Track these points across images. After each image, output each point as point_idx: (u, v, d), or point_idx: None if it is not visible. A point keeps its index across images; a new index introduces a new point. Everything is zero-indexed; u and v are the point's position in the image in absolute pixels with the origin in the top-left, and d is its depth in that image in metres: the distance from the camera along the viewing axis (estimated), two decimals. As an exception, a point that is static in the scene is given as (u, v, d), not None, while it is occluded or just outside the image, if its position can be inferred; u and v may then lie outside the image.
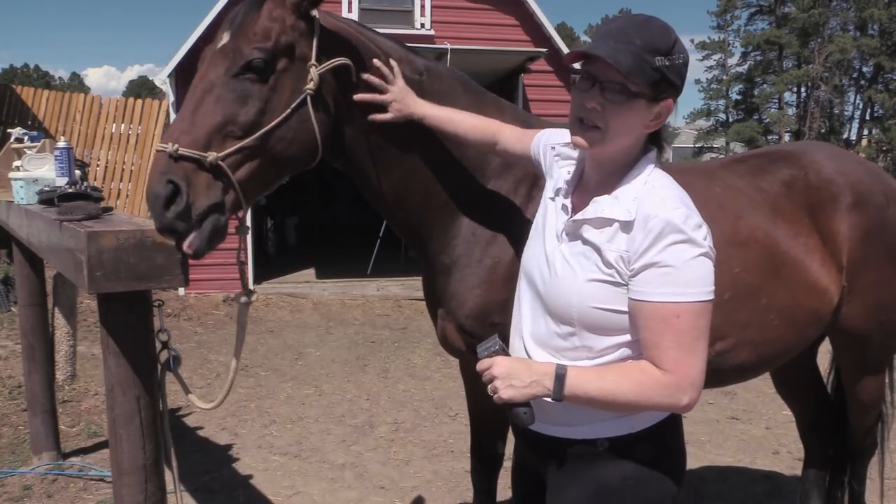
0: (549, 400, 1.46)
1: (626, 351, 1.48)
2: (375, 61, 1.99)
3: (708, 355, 2.32)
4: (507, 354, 1.54)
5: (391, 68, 2.01)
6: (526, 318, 1.61)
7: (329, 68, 1.88)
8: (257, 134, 1.77)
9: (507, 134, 2.00)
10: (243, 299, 1.92)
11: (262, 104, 1.79)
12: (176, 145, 1.68)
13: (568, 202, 1.57)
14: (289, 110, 1.82)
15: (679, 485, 1.56)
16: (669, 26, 1.44)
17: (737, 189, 2.45)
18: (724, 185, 2.45)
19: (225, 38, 1.80)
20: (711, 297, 1.41)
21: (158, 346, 1.88)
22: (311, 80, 1.84)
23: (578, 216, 1.51)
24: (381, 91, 1.98)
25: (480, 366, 1.53)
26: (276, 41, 1.80)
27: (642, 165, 1.48)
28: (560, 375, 1.42)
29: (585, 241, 1.49)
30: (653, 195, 1.43)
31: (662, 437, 1.53)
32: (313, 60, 1.85)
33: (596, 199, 1.50)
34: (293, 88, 1.84)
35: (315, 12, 1.89)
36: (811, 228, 2.44)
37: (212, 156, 1.70)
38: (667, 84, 1.42)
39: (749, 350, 2.36)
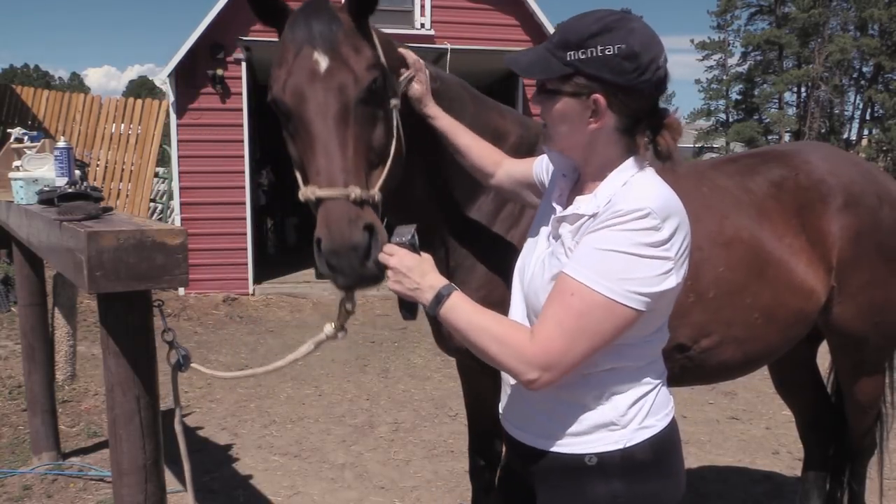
0: (510, 389, 1.54)
1: (609, 356, 1.40)
2: (415, 64, 1.97)
3: (693, 352, 2.38)
4: (416, 249, 1.50)
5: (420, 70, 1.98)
6: (516, 318, 1.60)
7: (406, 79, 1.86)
8: (390, 158, 1.70)
9: (508, 162, 1.97)
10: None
11: (384, 125, 1.72)
12: (356, 190, 1.54)
13: (556, 204, 1.55)
14: (397, 125, 1.76)
15: None
16: (610, 17, 1.36)
17: (724, 189, 2.47)
18: (711, 185, 2.47)
19: (322, 61, 1.63)
20: (627, 301, 1.29)
21: (165, 346, 1.89)
22: (395, 94, 1.79)
23: (559, 214, 1.50)
24: (420, 94, 1.97)
25: (385, 250, 1.50)
26: (376, 58, 1.71)
27: (626, 166, 1.42)
28: (440, 296, 1.41)
29: (558, 238, 1.48)
30: (628, 192, 1.37)
31: (656, 455, 1.45)
32: (389, 73, 1.77)
33: (578, 197, 1.49)
34: (386, 102, 1.76)
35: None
36: (799, 229, 2.45)
37: (377, 194, 1.61)
38: (586, 78, 1.35)
39: (734, 347, 2.38)
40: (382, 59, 1.75)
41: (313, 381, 6.16)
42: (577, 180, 1.59)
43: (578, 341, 1.31)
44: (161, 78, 9.85)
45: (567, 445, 1.44)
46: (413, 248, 1.52)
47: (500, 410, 1.64)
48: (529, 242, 1.64)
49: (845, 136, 39.66)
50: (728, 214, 2.40)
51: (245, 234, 9.92)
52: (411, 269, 1.46)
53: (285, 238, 13.78)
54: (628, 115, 1.38)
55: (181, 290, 9.05)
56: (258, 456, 4.49)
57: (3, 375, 5.76)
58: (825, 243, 2.46)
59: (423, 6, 10.44)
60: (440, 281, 1.44)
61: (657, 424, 1.45)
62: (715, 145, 42.46)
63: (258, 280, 10.14)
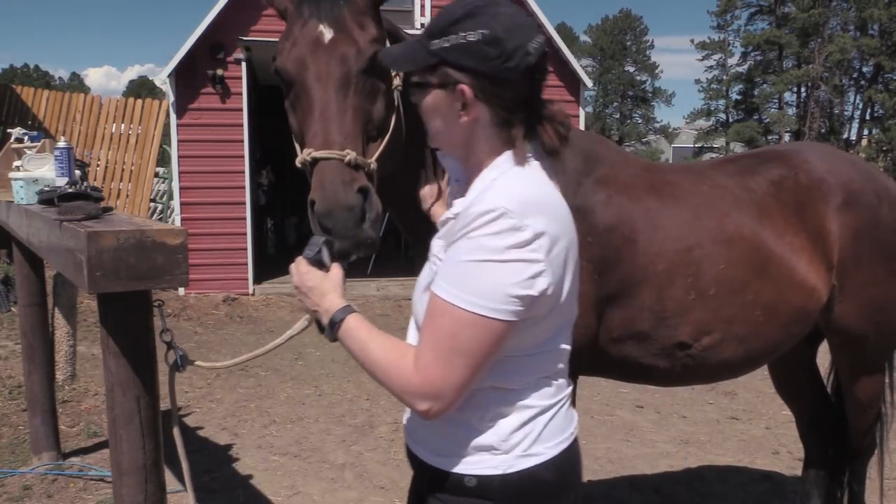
0: (407, 418, 1.46)
1: (491, 373, 1.29)
2: None
3: (694, 350, 2.38)
4: (322, 265, 1.43)
5: None
6: (411, 339, 1.48)
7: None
8: (389, 133, 1.72)
9: None
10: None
11: (385, 100, 1.73)
12: (352, 153, 1.56)
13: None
14: (398, 105, 1.77)
15: None
16: (477, 1, 1.27)
17: (724, 188, 2.48)
18: (711, 184, 2.48)
19: (327, 32, 1.68)
20: (492, 314, 1.19)
21: (163, 346, 1.88)
22: (398, 74, 1.79)
23: (440, 222, 1.41)
24: None
25: (295, 264, 1.44)
26: (381, 35, 1.73)
27: (499, 162, 1.31)
28: (333, 322, 1.34)
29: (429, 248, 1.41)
30: (486, 193, 1.26)
31: (540, 485, 1.32)
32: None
33: (454, 201, 1.39)
34: (388, 78, 1.77)
35: None
36: (799, 227, 2.46)
37: (373, 163, 1.63)
38: (451, 67, 1.26)
39: (735, 345, 2.39)
40: (388, 43, 1.77)
41: (313, 381, 6.16)
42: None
43: (456, 364, 1.21)
44: (161, 78, 9.86)
45: (450, 464, 1.34)
46: (318, 263, 1.44)
47: (404, 421, 1.54)
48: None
49: (845, 136, 39.69)
50: (728, 212, 2.40)
51: (245, 234, 9.92)
52: (311, 289, 1.40)
53: (285, 238, 13.78)
54: (501, 106, 1.28)
55: (181, 290, 9.05)
56: (258, 456, 4.49)
57: (3, 375, 5.76)
58: (825, 242, 2.47)
59: (423, 6, 10.44)
60: (336, 304, 1.36)
61: (546, 452, 1.33)
62: (715, 145, 42.51)
63: (258, 280, 10.14)
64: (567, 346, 1.39)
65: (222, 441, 4.73)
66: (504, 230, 1.19)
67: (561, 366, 1.38)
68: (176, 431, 1.88)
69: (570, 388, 1.43)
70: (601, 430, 5.00)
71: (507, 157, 1.31)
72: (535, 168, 1.33)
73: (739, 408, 5.57)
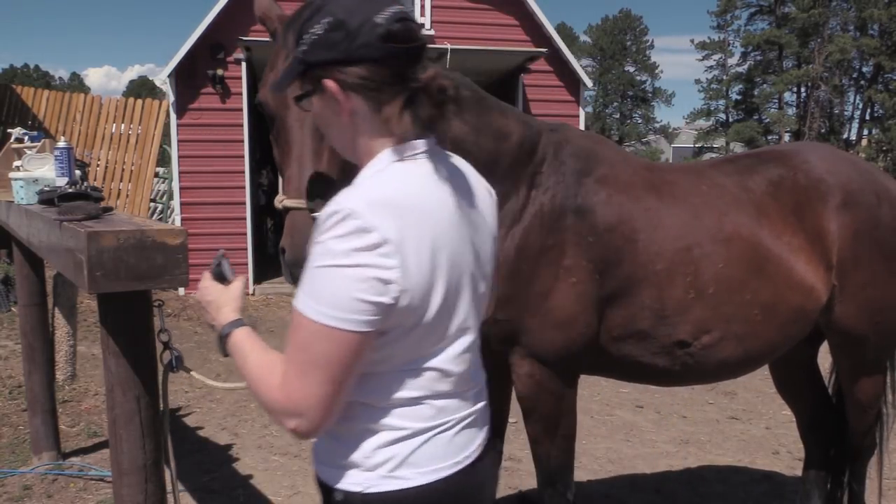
0: None
1: (355, 387, 1.21)
2: None
3: (694, 348, 2.39)
4: (222, 278, 1.47)
5: None
6: None
7: None
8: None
9: None
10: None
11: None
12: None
13: None
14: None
15: None
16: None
17: (723, 187, 2.48)
18: (710, 184, 2.49)
19: None
20: (341, 325, 1.12)
21: (160, 346, 1.88)
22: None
23: None
24: None
25: (202, 275, 1.48)
26: None
27: (375, 162, 1.24)
28: (222, 336, 1.35)
29: None
30: (343, 192, 1.19)
31: None
32: None
33: None
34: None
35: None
36: (797, 227, 2.46)
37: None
38: (314, 67, 1.20)
39: (734, 344, 2.39)
40: None
41: (313, 381, 6.16)
42: None
43: (314, 379, 1.14)
44: (161, 78, 9.86)
45: (328, 476, 1.29)
46: (220, 277, 1.46)
47: None
48: None
49: (845, 136, 39.69)
50: (727, 212, 2.41)
51: (245, 234, 9.93)
52: (209, 303, 1.41)
53: (267, 241, 13.76)
54: (369, 88, 1.19)
55: (181, 290, 9.04)
56: (258, 456, 4.49)
57: (3, 375, 5.76)
58: (824, 242, 2.47)
59: (423, 6, 10.44)
60: (228, 318, 1.36)
61: (416, 479, 1.23)
62: (715, 145, 42.52)
63: (258, 280, 10.14)
64: (457, 369, 1.27)
65: (222, 441, 4.73)
66: (349, 232, 1.11)
67: (444, 388, 1.26)
68: (166, 431, 1.89)
69: (469, 413, 1.32)
70: (601, 430, 5.00)
71: (386, 153, 1.23)
72: (416, 165, 1.23)
73: (739, 408, 5.57)
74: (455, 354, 1.27)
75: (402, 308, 1.15)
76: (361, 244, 1.11)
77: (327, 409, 1.16)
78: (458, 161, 1.38)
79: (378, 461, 1.23)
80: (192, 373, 1.90)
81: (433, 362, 1.25)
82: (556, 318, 2.19)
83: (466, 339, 1.29)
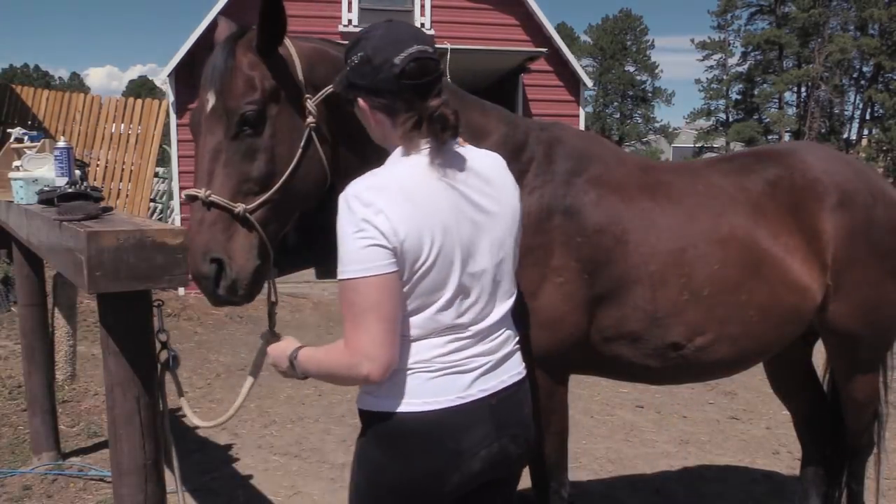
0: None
1: None
2: None
3: (687, 350, 2.39)
4: (275, 335, 1.85)
5: None
6: None
7: (322, 97, 1.89)
8: (277, 185, 1.81)
9: None
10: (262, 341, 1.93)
11: (269, 154, 1.82)
12: (208, 192, 1.74)
13: None
14: (300, 151, 1.84)
15: (411, 481, 1.56)
16: (365, 31, 1.60)
17: (719, 187, 2.47)
18: (706, 184, 2.48)
19: (211, 99, 1.82)
20: (362, 273, 1.45)
21: (158, 346, 1.88)
22: (310, 113, 1.86)
23: None
24: None
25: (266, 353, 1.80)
26: (262, 89, 1.81)
27: (391, 157, 1.60)
28: (291, 360, 1.63)
29: None
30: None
31: (378, 430, 1.57)
32: (305, 94, 1.87)
33: None
34: (292, 127, 1.85)
35: (288, 43, 1.90)
36: (793, 228, 2.45)
37: (240, 207, 1.76)
38: (352, 88, 1.60)
39: (728, 345, 2.39)
40: (301, 76, 1.87)
41: (313, 382, 6.13)
42: None
43: (366, 323, 1.45)
44: (161, 78, 9.87)
45: (359, 402, 1.62)
46: (266, 342, 1.84)
47: None
48: None
49: (845, 135, 39.71)
50: (723, 212, 2.40)
51: (245, 234, 9.90)
52: (276, 357, 1.71)
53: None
54: (388, 109, 1.56)
55: (181, 290, 9.04)
56: (258, 456, 4.49)
57: (3, 375, 5.76)
58: (820, 242, 2.46)
59: (423, 6, 10.45)
60: (288, 347, 1.67)
61: (389, 405, 1.54)
62: (715, 145, 42.52)
63: (258, 280, 10.12)
64: (463, 320, 1.56)
65: (222, 441, 4.73)
66: (352, 208, 1.47)
67: (417, 332, 1.54)
68: (166, 430, 1.90)
69: (443, 356, 1.55)
70: (601, 430, 5.00)
71: (397, 151, 1.59)
72: (416, 159, 1.55)
73: (739, 408, 5.57)
74: (457, 307, 1.55)
75: (402, 255, 1.46)
76: (363, 214, 1.45)
77: (387, 344, 1.46)
78: (473, 153, 1.65)
79: (383, 391, 1.55)
80: (188, 413, 1.98)
81: (438, 313, 1.53)
82: (543, 317, 2.18)
83: (475, 293, 1.57)
